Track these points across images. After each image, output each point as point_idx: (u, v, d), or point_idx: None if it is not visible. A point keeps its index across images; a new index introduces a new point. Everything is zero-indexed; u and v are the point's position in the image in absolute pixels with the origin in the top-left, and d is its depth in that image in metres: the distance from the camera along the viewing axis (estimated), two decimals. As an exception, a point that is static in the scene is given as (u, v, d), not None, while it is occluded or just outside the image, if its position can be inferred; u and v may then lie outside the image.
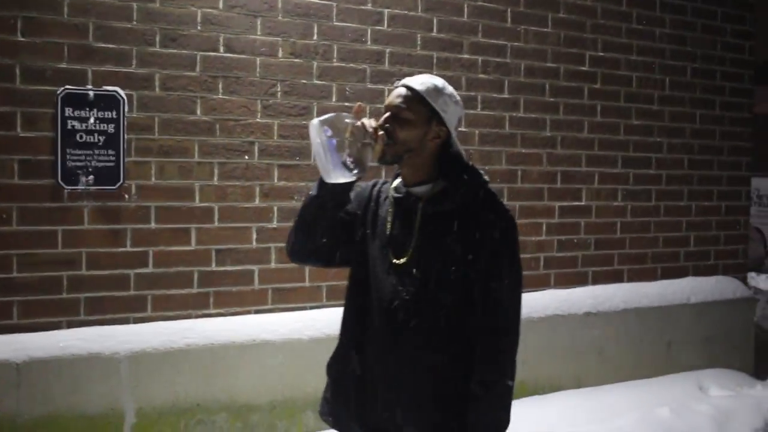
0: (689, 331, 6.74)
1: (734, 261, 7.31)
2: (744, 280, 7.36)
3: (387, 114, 2.67)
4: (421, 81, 2.70)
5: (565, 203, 6.32)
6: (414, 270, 2.65)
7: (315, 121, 2.59)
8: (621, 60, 6.55)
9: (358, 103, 2.76)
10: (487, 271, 2.62)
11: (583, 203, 6.41)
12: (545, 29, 6.18)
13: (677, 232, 6.93)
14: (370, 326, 2.75)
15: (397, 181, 2.80)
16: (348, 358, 2.79)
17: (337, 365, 2.85)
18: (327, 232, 2.77)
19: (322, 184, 2.70)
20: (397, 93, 2.69)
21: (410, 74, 4.87)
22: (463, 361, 2.62)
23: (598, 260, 6.51)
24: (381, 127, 2.65)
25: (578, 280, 6.40)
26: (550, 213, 6.25)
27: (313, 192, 2.76)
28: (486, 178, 2.77)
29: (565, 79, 6.28)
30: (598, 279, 6.50)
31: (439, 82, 2.73)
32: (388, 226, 2.75)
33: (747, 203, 7.41)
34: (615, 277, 6.59)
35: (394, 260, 2.69)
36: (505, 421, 2.63)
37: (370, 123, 2.62)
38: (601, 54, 6.44)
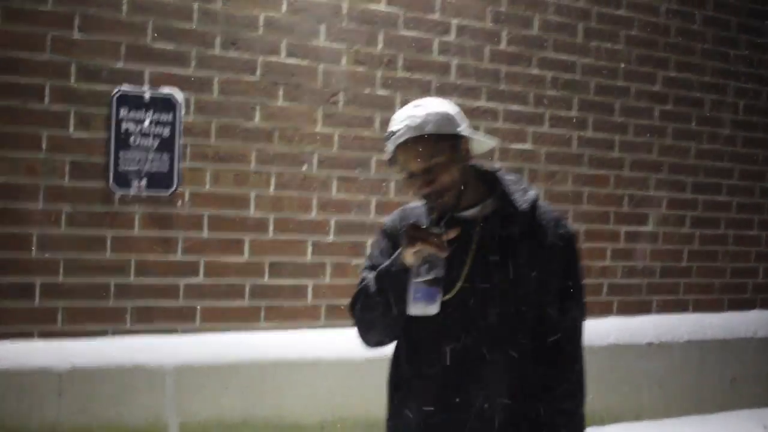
0: (754, 366, 6.50)
1: (804, 295, 7.00)
2: None
3: (416, 177, 2.38)
4: (418, 125, 2.35)
5: (631, 228, 6.08)
6: (466, 305, 2.39)
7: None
8: (694, 81, 6.31)
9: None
10: (559, 294, 2.43)
11: (649, 229, 6.16)
12: (617, 46, 5.97)
13: (746, 262, 6.67)
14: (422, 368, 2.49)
15: (415, 204, 2.58)
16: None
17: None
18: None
19: (397, 308, 2.38)
20: (408, 152, 2.36)
21: (476, 88, 4.66)
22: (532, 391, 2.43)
23: (663, 288, 6.27)
24: (425, 189, 2.37)
25: (642, 309, 6.16)
26: (616, 237, 6.02)
27: (379, 309, 2.43)
28: (536, 190, 2.52)
29: (635, 99, 6.05)
30: (662, 308, 6.26)
31: (426, 107, 2.39)
32: None
33: (819, 235, 7.07)
34: (680, 307, 6.35)
35: (444, 295, 2.36)
36: None
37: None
38: (674, 74, 6.21)
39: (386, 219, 2.67)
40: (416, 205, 2.62)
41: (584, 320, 2.51)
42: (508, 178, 2.53)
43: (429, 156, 2.33)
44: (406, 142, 2.34)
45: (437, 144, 2.33)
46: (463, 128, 2.41)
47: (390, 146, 2.40)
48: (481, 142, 2.51)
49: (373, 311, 2.43)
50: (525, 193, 2.48)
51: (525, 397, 2.41)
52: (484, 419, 2.40)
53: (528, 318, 2.41)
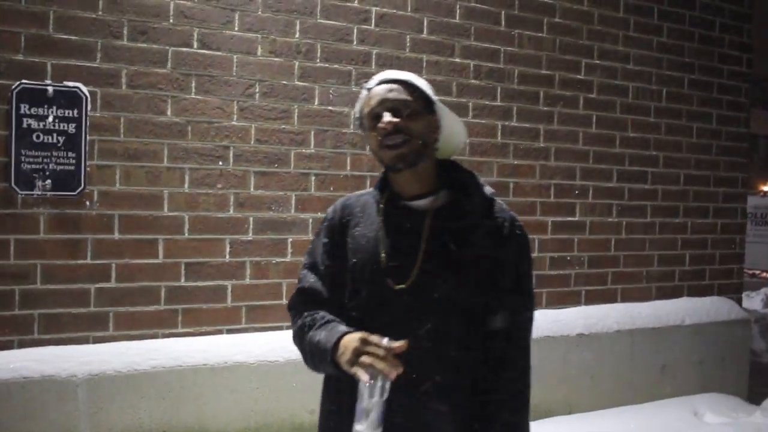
0: (683, 354, 6.54)
1: (729, 281, 7.08)
2: (739, 301, 7.13)
3: (388, 112, 2.33)
4: (399, 73, 2.42)
5: (558, 218, 6.00)
6: (420, 296, 2.30)
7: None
8: (618, 69, 6.26)
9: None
10: (509, 296, 2.36)
11: (576, 219, 6.09)
12: (540, 34, 5.87)
13: (673, 250, 6.66)
14: None
15: (376, 194, 2.47)
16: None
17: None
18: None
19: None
20: (383, 90, 2.36)
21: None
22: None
23: (592, 279, 6.22)
24: (391, 125, 2.30)
25: (571, 300, 6.10)
26: (543, 229, 5.94)
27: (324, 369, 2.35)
28: (488, 187, 2.47)
29: (560, 88, 5.97)
30: (592, 299, 6.21)
31: (408, 72, 2.46)
32: (380, 246, 2.37)
33: (743, 221, 7.16)
34: (608, 297, 6.31)
35: (395, 286, 2.31)
36: None
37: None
38: (598, 62, 6.14)
39: (328, 210, 2.57)
40: (361, 192, 2.56)
41: (532, 322, 2.43)
42: (470, 171, 2.48)
43: (405, 95, 2.35)
44: (389, 81, 2.37)
45: (416, 94, 2.36)
46: (439, 103, 2.42)
47: (372, 84, 2.40)
48: (452, 130, 2.47)
49: (314, 365, 2.39)
50: (482, 188, 2.43)
51: (472, 391, 2.35)
52: (434, 412, 2.31)
53: (477, 312, 2.33)
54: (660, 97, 6.51)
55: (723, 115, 6.91)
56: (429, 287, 2.30)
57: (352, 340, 2.17)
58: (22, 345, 4.25)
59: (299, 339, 2.44)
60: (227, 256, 4.77)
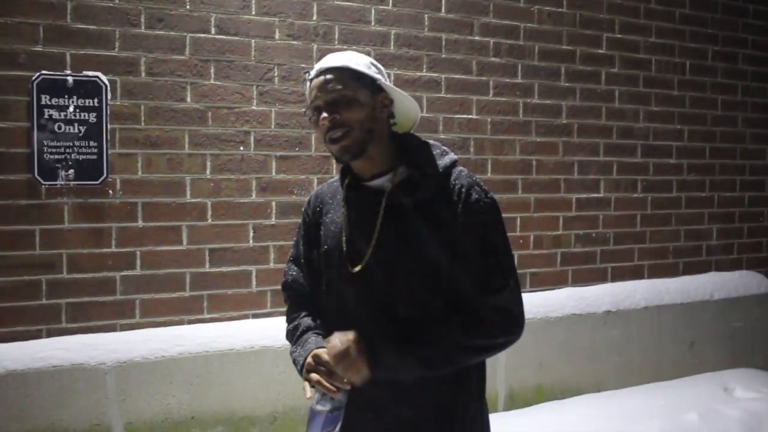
0: (712, 329, 6.46)
1: (757, 255, 6.98)
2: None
3: (325, 105, 2.29)
4: (334, 59, 2.33)
5: (582, 195, 5.95)
6: (375, 277, 2.29)
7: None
8: (640, 42, 6.17)
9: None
10: (475, 265, 2.27)
11: (601, 195, 6.03)
12: (560, 9, 5.80)
13: (699, 224, 6.58)
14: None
15: (335, 178, 2.52)
16: None
17: None
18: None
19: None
20: (319, 83, 2.30)
21: (417, 58, 4.54)
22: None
23: (618, 256, 6.16)
24: (326, 121, 2.28)
25: (597, 277, 6.04)
26: (568, 206, 5.88)
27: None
28: (453, 156, 2.40)
29: (581, 63, 5.90)
30: (618, 275, 6.15)
31: (348, 53, 2.37)
32: (343, 230, 2.37)
33: (771, 193, 7.05)
34: (635, 274, 6.25)
35: (352, 268, 2.32)
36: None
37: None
38: (619, 36, 6.06)
39: (309, 196, 2.62)
40: (334, 179, 2.56)
41: (513, 290, 2.32)
42: (424, 142, 2.42)
43: (339, 85, 2.27)
44: (324, 70, 2.30)
45: (350, 79, 2.28)
46: (383, 80, 2.33)
47: (312, 74, 2.34)
48: (405, 105, 2.41)
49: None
50: (440, 157, 2.37)
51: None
52: (402, 396, 2.31)
53: (438, 290, 2.28)
54: (684, 69, 6.41)
55: (748, 86, 6.79)
56: (383, 267, 2.28)
57: (309, 356, 2.29)
58: (50, 334, 4.26)
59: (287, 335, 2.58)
60: (251, 241, 4.76)
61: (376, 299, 2.29)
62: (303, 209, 2.57)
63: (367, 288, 2.29)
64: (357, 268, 2.29)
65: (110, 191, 4.39)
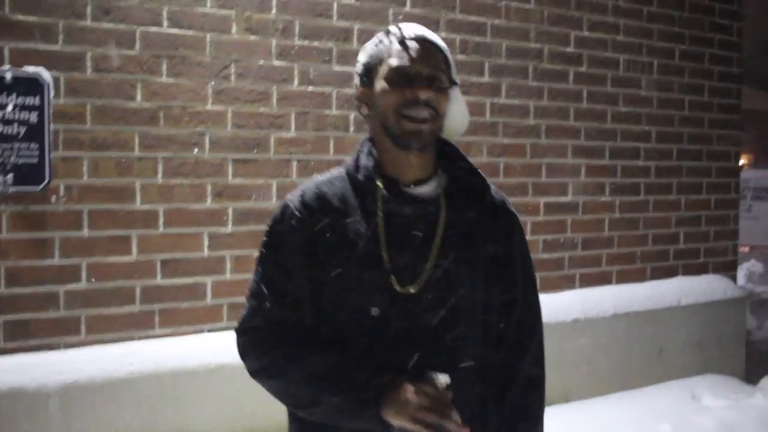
0: (680, 335, 6.45)
1: (724, 258, 6.97)
2: (734, 279, 7.05)
3: (426, 79, 2.00)
4: (433, 36, 2.08)
5: (550, 199, 5.83)
6: (431, 301, 2.00)
7: None
8: (608, 41, 6.07)
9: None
10: (523, 286, 2.17)
11: (569, 198, 5.91)
12: (528, 6, 5.67)
13: (667, 228, 6.52)
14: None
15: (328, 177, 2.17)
16: None
17: None
18: None
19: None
20: (424, 52, 2.01)
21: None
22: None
23: (586, 261, 6.07)
24: (432, 94, 2.00)
25: (566, 284, 5.94)
26: (536, 210, 5.76)
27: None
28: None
29: (549, 62, 5.77)
30: (586, 282, 6.06)
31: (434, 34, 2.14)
32: (381, 243, 2.00)
33: (736, 196, 7.05)
34: (603, 279, 6.17)
35: (403, 289, 1.98)
36: None
37: None
38: (587, 34, 5.94)
39: (290, 200, 2.16)
40: (326, 179, 2.15)
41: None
42: (457, 149, 2.17)
43: (444, 65, 2.05)
44: (425, 41, 2.03)
45: (446, 65, 2.06)
46: (458, 79, 2.14)
47: (404, 34, 2.04)
48: (462, 116, 2.15)
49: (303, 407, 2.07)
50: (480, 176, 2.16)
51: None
52: None
53: (495, 314, 2.11)
54: (651, 69, 6.34)
55: (714, 86, 6.76)
56: (443, 291, 2.01)
57: (406, 391, 1.87)
58: (-14, 355, 4.00)
59: (279, 373, 2.09)
60: (206, 251, 4.55)
61: (427, 325, 2.00)
62: (279, 223, 2.16)
63: (421, 312, 2.00)
64: (411, 290, 1.98)
65: (53, 197, 4.15)
